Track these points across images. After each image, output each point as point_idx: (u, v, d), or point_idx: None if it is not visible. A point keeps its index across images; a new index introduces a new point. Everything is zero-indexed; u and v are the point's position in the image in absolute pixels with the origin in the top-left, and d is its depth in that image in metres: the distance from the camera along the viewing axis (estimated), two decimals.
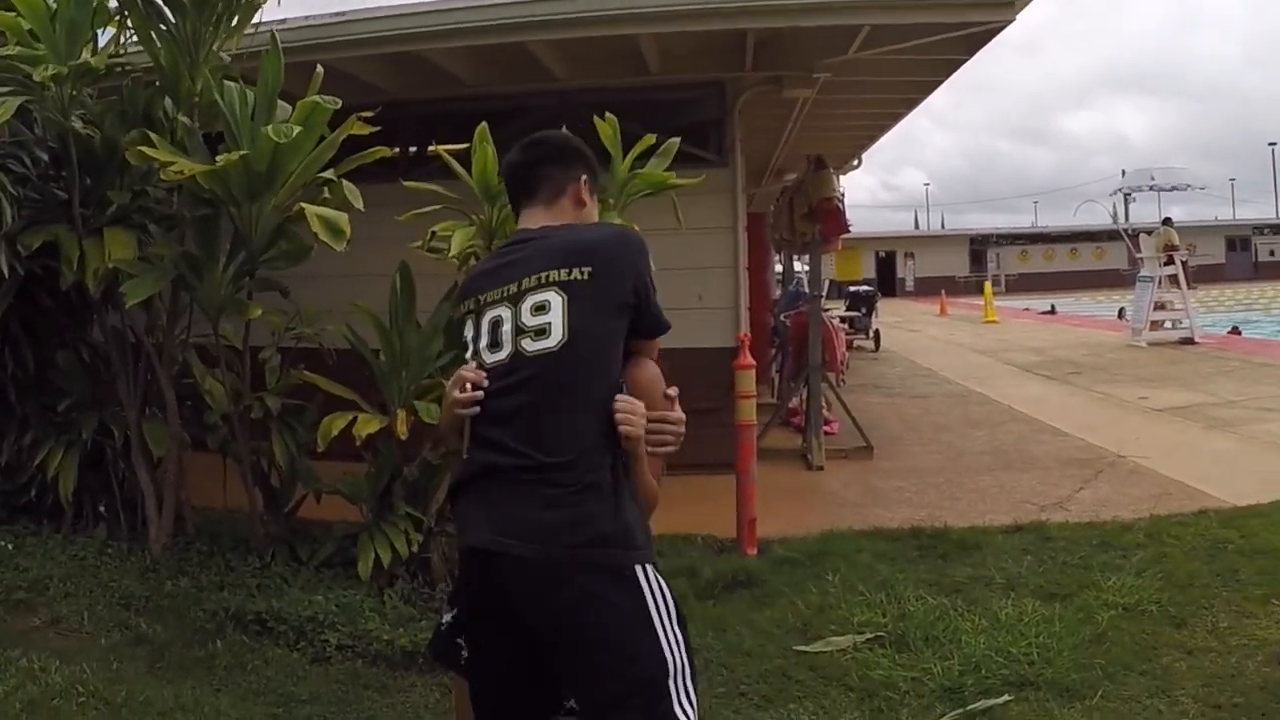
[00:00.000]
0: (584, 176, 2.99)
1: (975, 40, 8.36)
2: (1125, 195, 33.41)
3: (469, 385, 2.64)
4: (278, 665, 4.87)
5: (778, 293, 19.09)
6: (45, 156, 6.08)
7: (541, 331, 2.61)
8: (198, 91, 5.47)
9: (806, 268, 12.04)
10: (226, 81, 5.40)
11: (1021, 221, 72.09)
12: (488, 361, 2.67)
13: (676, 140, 5.32)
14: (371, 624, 5.09)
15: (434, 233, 5.28)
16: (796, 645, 5.00)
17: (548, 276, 2.66)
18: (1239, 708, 4.36)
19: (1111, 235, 65.04)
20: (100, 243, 5.51)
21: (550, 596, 2.51)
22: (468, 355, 2.76)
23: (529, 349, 2.61)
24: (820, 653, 5.01)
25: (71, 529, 6.14)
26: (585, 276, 2.65)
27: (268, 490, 6.24)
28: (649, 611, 2.55)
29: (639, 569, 2.56)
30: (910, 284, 61.82)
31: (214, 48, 5.52)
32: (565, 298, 2.62)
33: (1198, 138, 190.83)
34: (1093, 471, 9.18)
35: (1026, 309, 38.48)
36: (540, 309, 2.63)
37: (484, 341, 2.70)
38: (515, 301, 2.67)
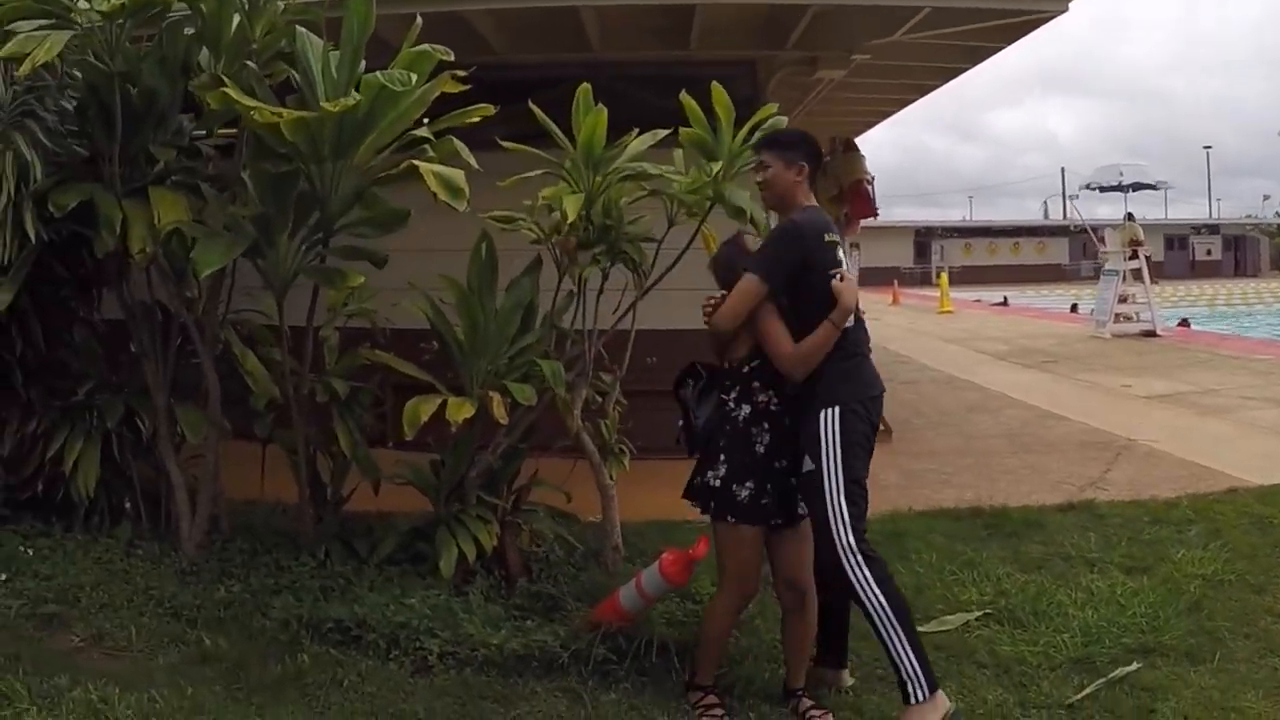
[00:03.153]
0: None
1: (1013, 30, 8.32)
2: (1094, 189, 34.07)
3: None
4: (376, 680, 4.38)
5: None
6: (70, 106, 5.41)
7: None
8: (256, 39, 4.89)
9: None
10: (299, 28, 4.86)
11: (953, 215, 73.18)
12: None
13: (775, 111, 5.13)
14: (472, 628, 4.61)
15: (544, 198, 4.98)
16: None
17: None
18: None
19: (1053, 231, 66.55)
20: (144, 205, 4.93)
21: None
22: (843, 270, 4.12)
23: None
24: (939, 631, 4.98)
25: (84, 527, 5.54)
26: None
27: (316, 482, 5.70)
28: None
29: None
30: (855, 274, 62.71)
31: None
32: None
33: (1126, 139, 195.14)
34: (1111, 454, 9.35)
35: (978, 300, 39.04)
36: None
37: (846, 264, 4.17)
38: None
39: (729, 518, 4.11)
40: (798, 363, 4.01)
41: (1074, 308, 31.33)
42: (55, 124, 5.31)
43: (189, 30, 5.08)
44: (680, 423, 4.41)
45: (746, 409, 4.14)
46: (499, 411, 4.92)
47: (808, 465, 4.03)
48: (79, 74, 5.28)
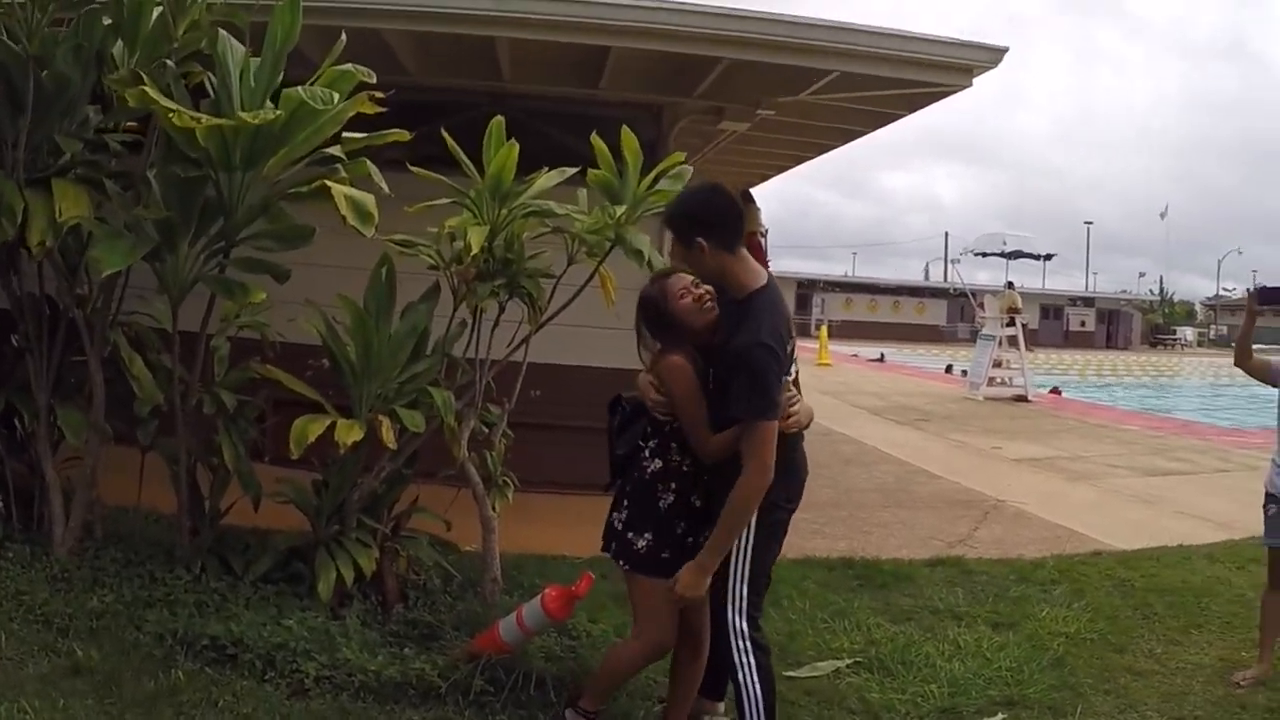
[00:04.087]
0: None
1: (917, 99, 8.58)
2: (977, 255, 35.16)
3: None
4: (252, 700, 4.28)
5: None
6: None
7: None
8: (178, 37, 4.81)
9: None
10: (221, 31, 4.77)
11: (835, 270, 74.60)
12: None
13: (683, 160, 5.19)
14: (349, 652, 4.56)
15: (448, 226, 4.96)
16: (786, 671, 4.92)
17: None
18: None
19: (934, 292, 68.27)
20: (45, 195, 4.78)
21: None
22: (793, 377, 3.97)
23: None
24: (810, 677, 5.07)
25: None
26: None
27: (195, 494, 5.55)
28: None
29: None
30: None
31: None
32: None
33: (1010, 208, 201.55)
34: (980, 513, 9.69)
35: (855, 355, 39.73)
36: None
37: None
38: None
39: (623, 564, 4.04)
40: (718, 454, 3.83)
41: (949, 368, 32.17)
42: None
43: (106, 20, 4.98)
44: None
45: (659, 463, 4.00)
46: (388, 436, 4.89)
47: None
48: None
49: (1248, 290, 5.60)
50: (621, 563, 4.04)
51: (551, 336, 5.68)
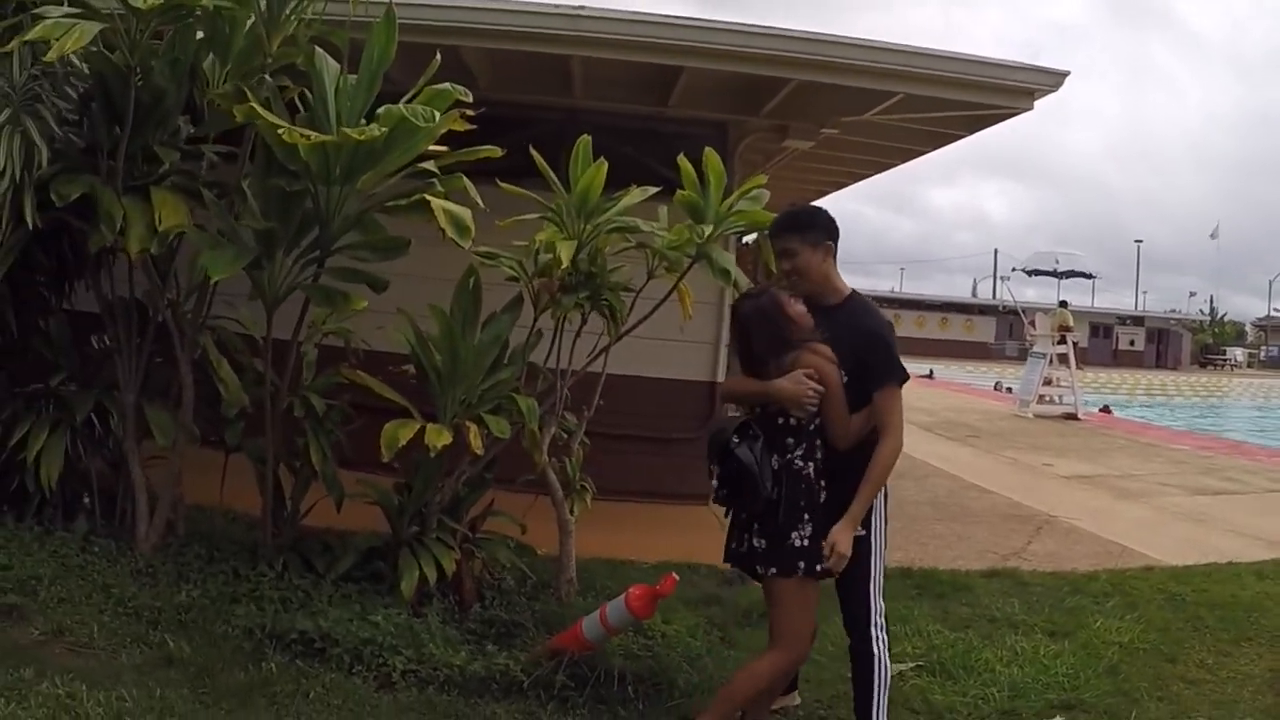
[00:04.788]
0: None
1: (977, 120, 8.68)
2: (1028, 273, 35.01)
3: None
4: (341, 693, 4.45)
5: None
6: (74, 94, 5.44)
7: None
8: (272, 52, 5.03)
9: None
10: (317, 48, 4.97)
11: (883, 286, 74.22)
12: None
13: (764, 182, 5.39)
14: (434, 648, 4.74)
15: (539, 240, 5.17)
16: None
17: None
18: None
19: (982, 309, 67.87)
20: (143, 203, 5.01)
21: None
22: None
23: None
24: None
25: (37, 519, 5.53)
26: None
27: (279, 494, 5.77)
28: None
29: None
30: None
31: (303, 5, 5.08)
32: None
33: (1058, 225, 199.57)
34: (1033, 528, 9.75)
35: None
36: None
37: None
38: None
39: (773, 571, 4.08)
40: (858, 437, 4.10)
41: (998, 385, 32.09)
42: (65, 112, 5.34)
43: (200, 34, 5.21)
44: (717, 479, 4.18)
45: (812, 465, 4.09)
46: (476, 442, 5.07)
47: (858, 531, 4.08)
48: (85, 65, 5.33)
49: None
50: (772, 570, 4.06)
51: (627, 348, 5.89)
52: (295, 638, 4.78)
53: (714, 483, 4.19)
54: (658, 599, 4.57)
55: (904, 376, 4.16)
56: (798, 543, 4.03)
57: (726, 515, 4.26)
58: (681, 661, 5.00)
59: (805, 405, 4.03)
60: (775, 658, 4.17)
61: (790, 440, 4.11)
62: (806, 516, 4.04)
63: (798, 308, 4.16)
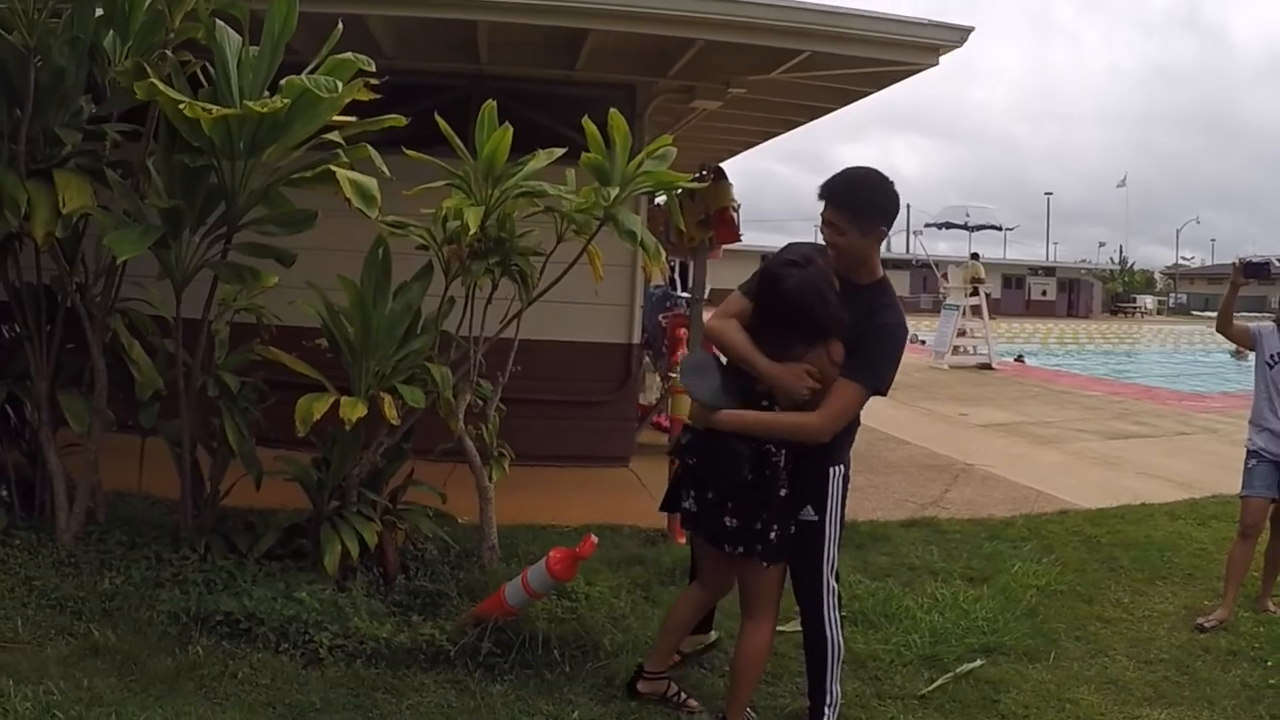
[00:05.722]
0: None
1: (884, 78, 8.77)
2: (939, 226, 35.44)
3: None
4: (269, 671, 4.43)
5: None
6: None
7: None
8: (173, 27, 4.91)
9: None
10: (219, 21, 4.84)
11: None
12: None
13: (670, 142, 5.38)
14: (359, 621, 4.72)
15: (446, 207, 5.11)
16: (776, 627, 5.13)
17: None
18: (1166, 662, 5.34)
19: (896, 264, 68.59)
20: (47, 187, 4.86)
21: None
22: None
23: None
24: (797, 631, 5.23)
25: None
26: None
27: (197, 476, 5.69)
28: None
29: None
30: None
31: None
32: None
33: (969, 180, 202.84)
34: (950, 476, 10.02)
35: None
36: None
37: None
38: None
39: (766, 564, 4.08)
40: (833, 434, 3.97)
41: (914, 338, 32.54)
42: None
43: (98, 12, 5.05)
44: (689, 442, 4.11)
45: (784, 454, 4.00)
46: (390, 412, 5.05)
47: (810, 514, 4.09)
48: None
49: (1234, 262, 5.95)
50: (739, 550, 4.02)
51: (541, 313, 5.89)
52: (221, 619, 4.75)
53: (682, 439, 4.14)
54: (578, 561, 4.59)
55: (880, 386, 3.94)
56: (759, 526, 3.98)
57: (674, 467, 4.20)
58: (606, 623, 5.04)
59: (791, 397, 3.90)
60: (765, 633, 4.18)
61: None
62: (764, 502, 3.99)
63: (835, 281, 3.92)
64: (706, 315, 6.10)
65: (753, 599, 4.18)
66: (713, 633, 4.94)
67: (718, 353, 4.16)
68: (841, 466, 4.17)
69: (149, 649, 4.50)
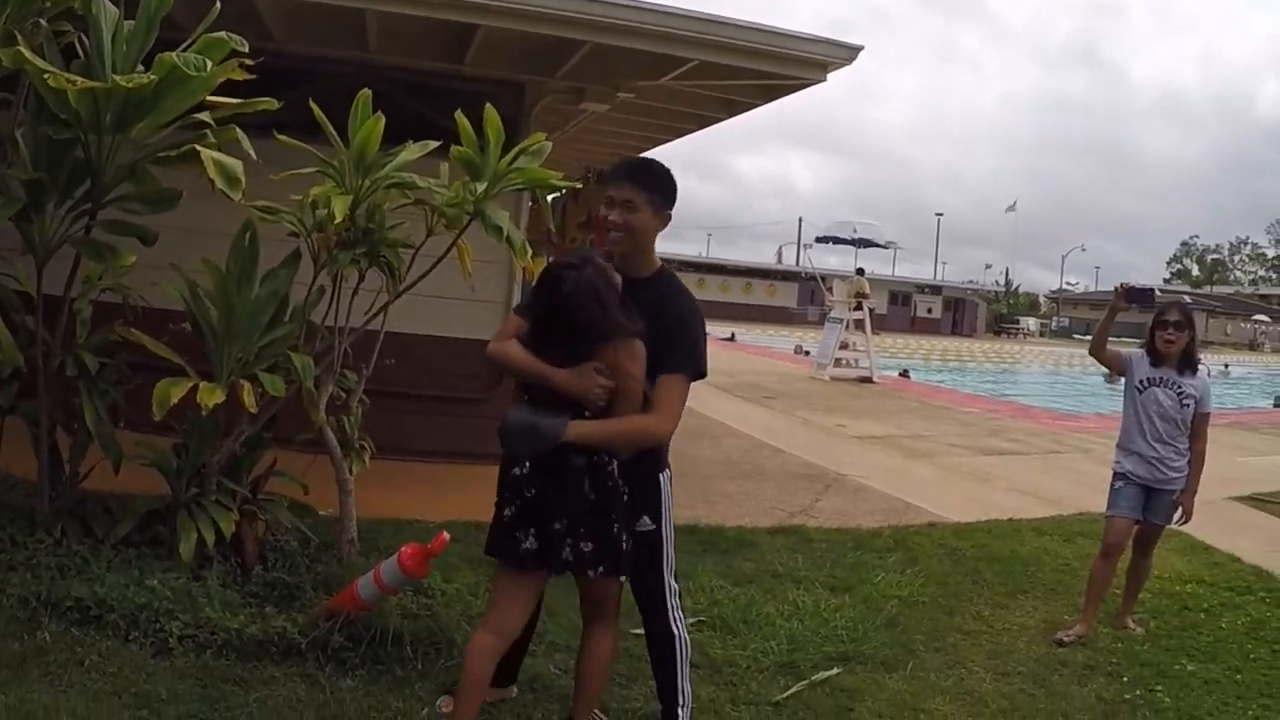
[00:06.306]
0: None
1: (771, 90, 8.89)
2: (825, 241, 35.93)
3: None
4: (118, 660, 4.34)
5: None
6: None
7: None
8: None
9: None
10: None
11: (690, 251, 75.28)
12: None
13: (544, 138, 5.33)
14: (211, 611, 4.65)
15: (313, 194, 5.06)
16: (632, 629, 4.85)
17: None
18: (1023, 675, 5.43)
19: (785, 275, 69.63)
20: None
21: None
22: None
23: None
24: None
25: None
26: None
27: (55, 458, 5.50)
28: None
29: None
30: None
31: None
32: None
33: (862, 197, 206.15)
34: (822, 486, 10.17)
35: (708, 334, 40.29)
36: None
37: None
38: None
39: (620, 578, 3.99)
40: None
41: (798, 349, 33.06)
42: None
43: None
44: (530, 471, 3.78)
45: (616, 464, 3.82)
46: (249, 400, 4.96)
47: (646, 524, 4.02)
48: None
49: (1117, 287, 6.10)
50: (600, 570, 3.81)
51: (409, 305, 5.83)
52: (71, 605, 4.65)
53: (516, 470, 3.78)
54: (430, 557, 4.55)
55: (699, 371, 3.90)
56: (612, 539, 3.81)
57: (507, 507, 3.82)
58: (461, 620, 5.02)
59: (592, 402, 3.72)
60: (610, 640, 4.12)
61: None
62: (614, 516, 3.81)
63: (616, 280, 3.79)
64: None
65: (599, 608, 4.07)
66: (513, 687, 4.61)
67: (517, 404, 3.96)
68: (669, 471, 4.15)
69: None
